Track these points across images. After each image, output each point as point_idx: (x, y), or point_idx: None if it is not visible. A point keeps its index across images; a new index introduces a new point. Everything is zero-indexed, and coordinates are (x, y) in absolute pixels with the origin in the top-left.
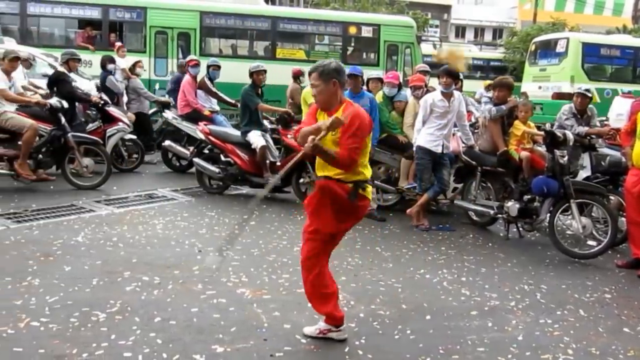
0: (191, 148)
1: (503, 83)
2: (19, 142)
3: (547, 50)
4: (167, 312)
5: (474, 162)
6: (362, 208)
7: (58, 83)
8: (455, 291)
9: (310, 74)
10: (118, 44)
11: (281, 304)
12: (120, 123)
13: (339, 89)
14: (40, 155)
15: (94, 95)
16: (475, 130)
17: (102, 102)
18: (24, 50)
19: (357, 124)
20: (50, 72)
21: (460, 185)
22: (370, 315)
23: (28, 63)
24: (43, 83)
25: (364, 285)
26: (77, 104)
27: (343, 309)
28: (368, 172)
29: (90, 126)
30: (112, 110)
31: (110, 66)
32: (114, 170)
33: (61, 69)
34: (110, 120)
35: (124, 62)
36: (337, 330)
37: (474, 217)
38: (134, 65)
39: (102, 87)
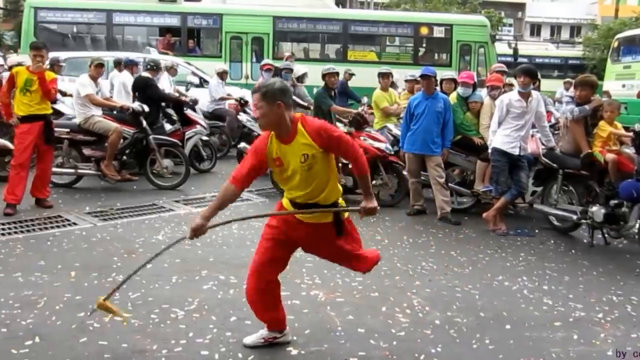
0: None
1: (586, 81)
2: (105, 145)
3: (632, 46)
4: (243, 312)
5: (554, 165)
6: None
7: (145, 88)
8: (537, 300)
9: (252, 94)
10: (287, 53)
11: (355, 307)
12: (198, 126)
13: (284, 112)
14: (124, 157)
15: (183, 96)
16: (556, 132)
17: (191, 103)
18: (168, 59)
19: (332, 127)
20: (194, 79)
21: (539, 189)
22: (447, 323)
23: (174, 70)
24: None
25: (439, 290)
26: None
27: (417, 315)
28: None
29: (170, 129)
30: (191, 113)
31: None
32: (193, 171)
33: (146, 74)
34: (189, 123)
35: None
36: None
37: (555, 222)
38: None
39: None
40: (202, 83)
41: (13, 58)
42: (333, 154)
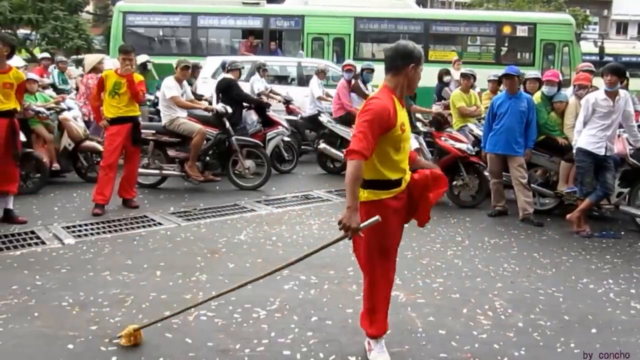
0: (345, 150)
1: None
2: (189, 146)
3: None
4: (323, 312)
5: None
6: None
7: (228, 89)
8: (624, 304)
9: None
10: (454, 57)
11: (435, 308)
12: (280, 127)
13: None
14: (207, 158)
15: (264, 97)
16: None
17: (269, 104)
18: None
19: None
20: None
21: (626, 190)
22: (530, 326)
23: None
24: None
25: (522, 293)
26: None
27: (500, 317)
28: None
29: (252, 130)
30: (272, 114)
31: (446, 78)
32: (274, 171)
33: (229, 75)
34: (271, 124)
35: (458, 74)
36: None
37: None
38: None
39: (438, 98)
40: None
41: (107, 62)
42: None
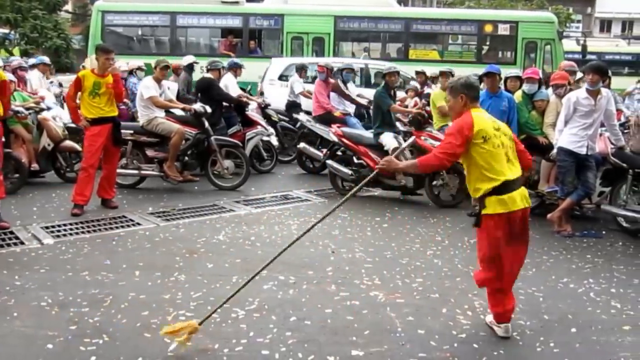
0: (324, 150)
1: None
2: (167, 146)
3: None
4: (302, 312)
5: (624, 165)
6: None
7: (209, 89)
8: (604, 303)
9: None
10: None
11: (415, 308)
12: (259, 126)
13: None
14: (186, 158)
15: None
16: (626, 130)
17: (247, 104)
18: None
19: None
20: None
21: (607, 189)
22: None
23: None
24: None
25: None
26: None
27: (479, 317)
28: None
29: (232, 130)
30: (252, 114)
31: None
32: (253, 171)
33: (209, 75)
34: (250, 124)
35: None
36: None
37: (624, 224)
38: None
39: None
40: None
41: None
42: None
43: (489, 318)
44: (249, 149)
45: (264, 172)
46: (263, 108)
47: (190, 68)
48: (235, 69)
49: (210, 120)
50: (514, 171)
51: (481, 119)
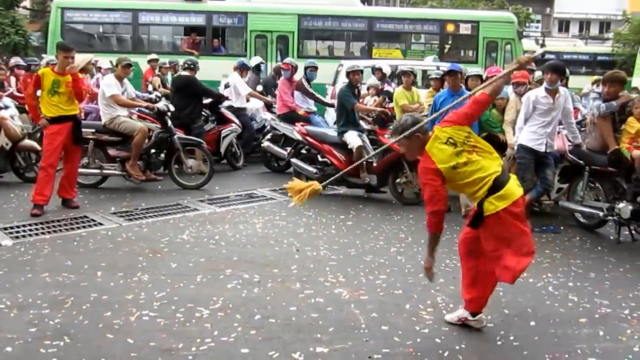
0: (289, 149)
1: (615, 77)
2: (130, 145)
3: None
4: (267, 310)
5: (581, 162)
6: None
7: (186, 87)
8: (562, 297)
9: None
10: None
11: (379, 305)
12: (233, 124)
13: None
14: (149, 157)
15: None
16: (583, 128)
17: (227, 98)
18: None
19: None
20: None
21: (565, 186)
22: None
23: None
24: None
25: None
26: None
27: (441, 312)
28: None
29: (206, 128)
30: (226, 112)
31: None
32: (217, 170)
33: (185, 73)
34: (225, 121)
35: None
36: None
37: (581, 219)
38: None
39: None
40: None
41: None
42: None
43: (451, 316)
44: (225, 146)
45: (239, 168)
46: (270, 107)
47: (257, 69)
48: (242, 69)
49: (189, 117)
50: (495, 160)
51: (439, 152)
